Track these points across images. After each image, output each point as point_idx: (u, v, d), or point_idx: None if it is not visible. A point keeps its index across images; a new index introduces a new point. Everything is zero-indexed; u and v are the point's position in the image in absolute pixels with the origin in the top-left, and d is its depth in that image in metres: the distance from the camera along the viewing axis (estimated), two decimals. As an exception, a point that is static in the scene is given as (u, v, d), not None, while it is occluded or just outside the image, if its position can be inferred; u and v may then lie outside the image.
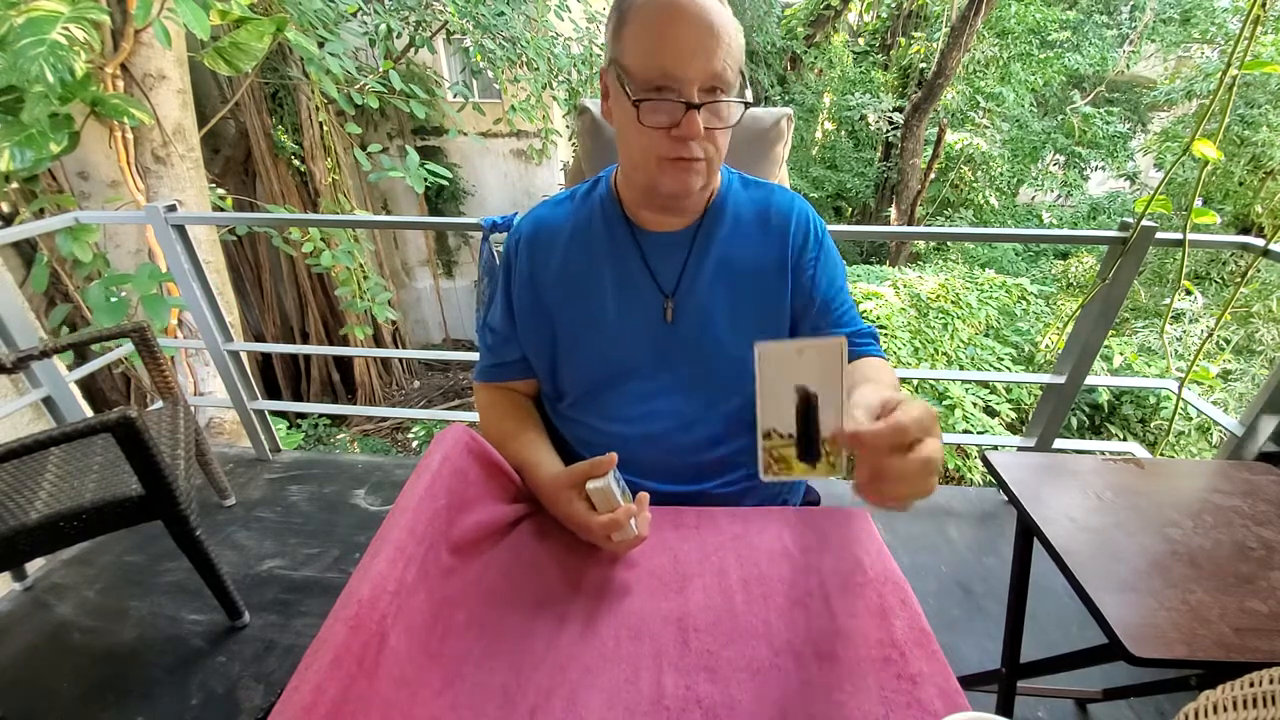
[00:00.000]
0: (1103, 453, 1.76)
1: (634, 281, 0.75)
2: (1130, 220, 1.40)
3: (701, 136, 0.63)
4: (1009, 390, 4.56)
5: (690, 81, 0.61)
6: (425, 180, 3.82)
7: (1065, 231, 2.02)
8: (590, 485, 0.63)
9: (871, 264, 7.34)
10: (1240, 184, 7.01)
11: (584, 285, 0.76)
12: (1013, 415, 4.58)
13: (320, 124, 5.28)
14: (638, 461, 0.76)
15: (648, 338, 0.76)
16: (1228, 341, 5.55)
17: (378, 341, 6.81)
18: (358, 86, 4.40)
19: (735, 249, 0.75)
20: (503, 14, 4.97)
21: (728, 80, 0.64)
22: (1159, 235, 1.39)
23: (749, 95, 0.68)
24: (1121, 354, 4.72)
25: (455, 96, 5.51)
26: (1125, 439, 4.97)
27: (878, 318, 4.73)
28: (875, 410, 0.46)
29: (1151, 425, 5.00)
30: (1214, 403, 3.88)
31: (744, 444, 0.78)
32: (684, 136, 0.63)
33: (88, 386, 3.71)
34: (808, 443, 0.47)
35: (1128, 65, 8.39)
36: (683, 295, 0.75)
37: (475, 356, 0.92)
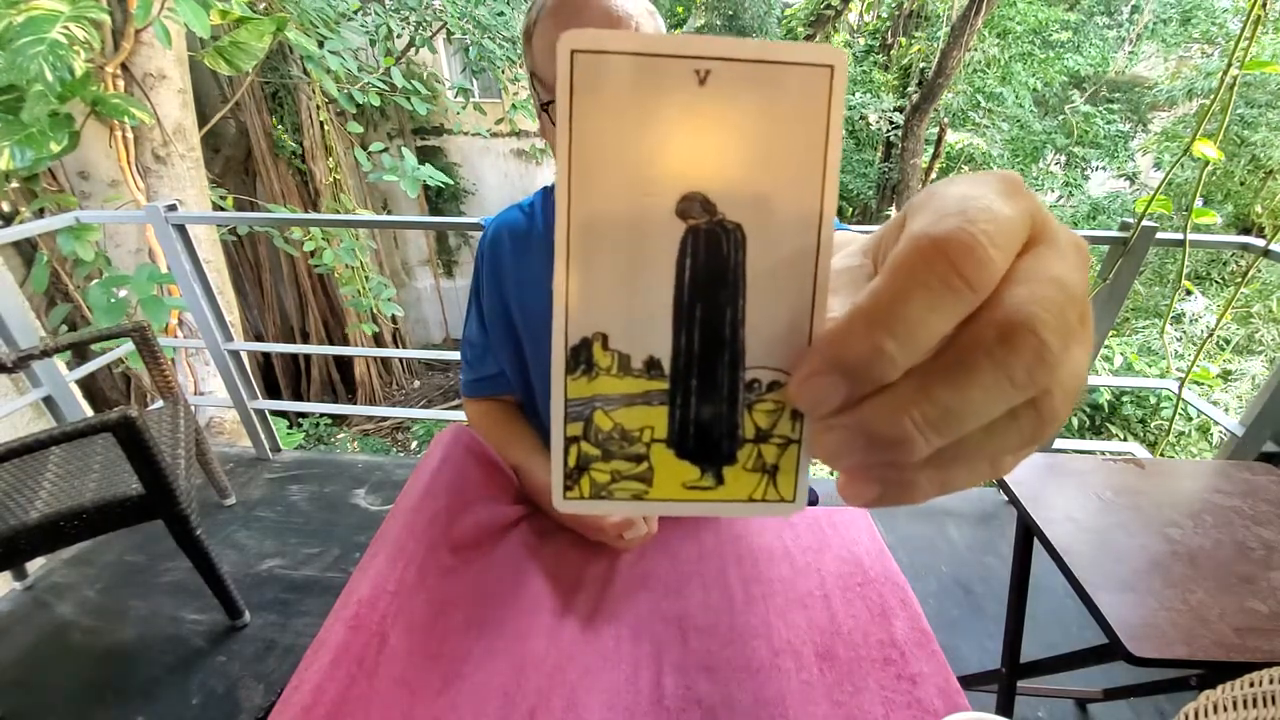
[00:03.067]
0: (1103, 453, 1.75)
1: None
2: (1130, 220, 1.40)
3: None
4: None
5: None
6: (421, 183, 3.82)
7: (1065, 231, 2.01)
8: None
9: (872, 264, 7.29)
10: (1240, 184, 7.01)
11: (541, 292, 0.74)
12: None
13: (321, 123, 5.28)
14: None
15: None
16: (1228, 341, 5.55)
17: (378, 341, 6.81)
18: (359, 85, 4.41)
19: None
20: (503, 14, 4.98)
21: None
22: (1159, 235, 1.39)
23: None
24: (1122, 354, 4.73)
25: (456, 96, 5.51)
26: (1126, 439, 4.97)
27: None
28: (864, 273, 0.18)
29: (1152, 425, 5.01)
30: (1214, 403, 3.87)
31: None
32: None
33: (88, 386, 3.71)
34: (702, 409, 0.17)
35: (1128, 65, 8.40)
36: None
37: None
